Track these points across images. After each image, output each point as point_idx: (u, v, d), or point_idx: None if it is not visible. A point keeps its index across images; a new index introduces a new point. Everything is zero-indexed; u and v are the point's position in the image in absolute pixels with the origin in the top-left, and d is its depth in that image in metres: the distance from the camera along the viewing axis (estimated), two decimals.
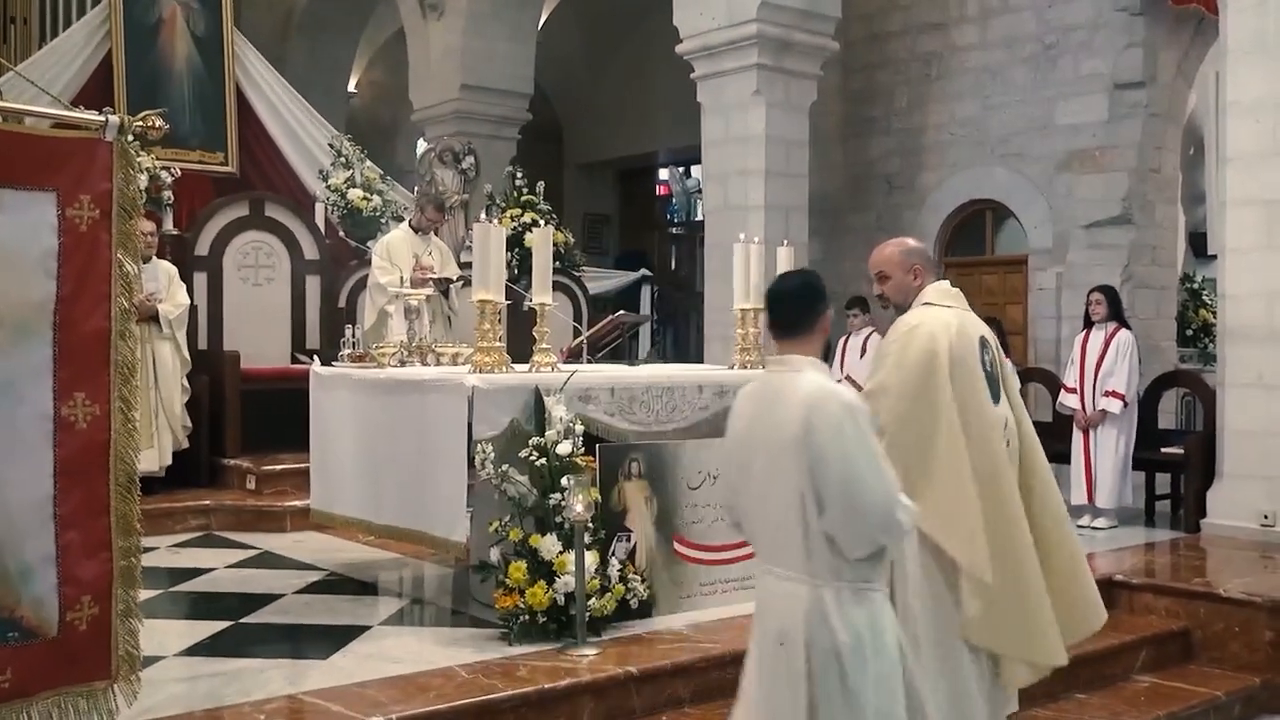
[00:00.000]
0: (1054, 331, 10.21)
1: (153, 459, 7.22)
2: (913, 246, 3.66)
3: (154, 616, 4.57)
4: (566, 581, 4.52)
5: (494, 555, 4.72)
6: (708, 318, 9.79)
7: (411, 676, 4.12)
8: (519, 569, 4.57)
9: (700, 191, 12.99)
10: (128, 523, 3.35)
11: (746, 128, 9.25)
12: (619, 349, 7.45)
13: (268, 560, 6.32)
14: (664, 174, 18.14)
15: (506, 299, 5.14)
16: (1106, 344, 7.51)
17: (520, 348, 5.35)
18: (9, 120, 3.65)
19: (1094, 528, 7.31)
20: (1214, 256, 8.10)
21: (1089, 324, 7.68)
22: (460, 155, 11.33)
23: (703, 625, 4.86)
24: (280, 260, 9.12)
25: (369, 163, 10.43)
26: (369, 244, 9.08)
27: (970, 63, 10.91)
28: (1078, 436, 7.54)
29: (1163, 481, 7.97)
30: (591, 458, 4.82)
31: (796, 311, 2.91)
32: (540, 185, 10.15)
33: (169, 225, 8.89)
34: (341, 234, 9.93)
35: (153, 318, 7.43)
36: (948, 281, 3.69)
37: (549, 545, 4.58)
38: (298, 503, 6.89)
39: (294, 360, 8.76)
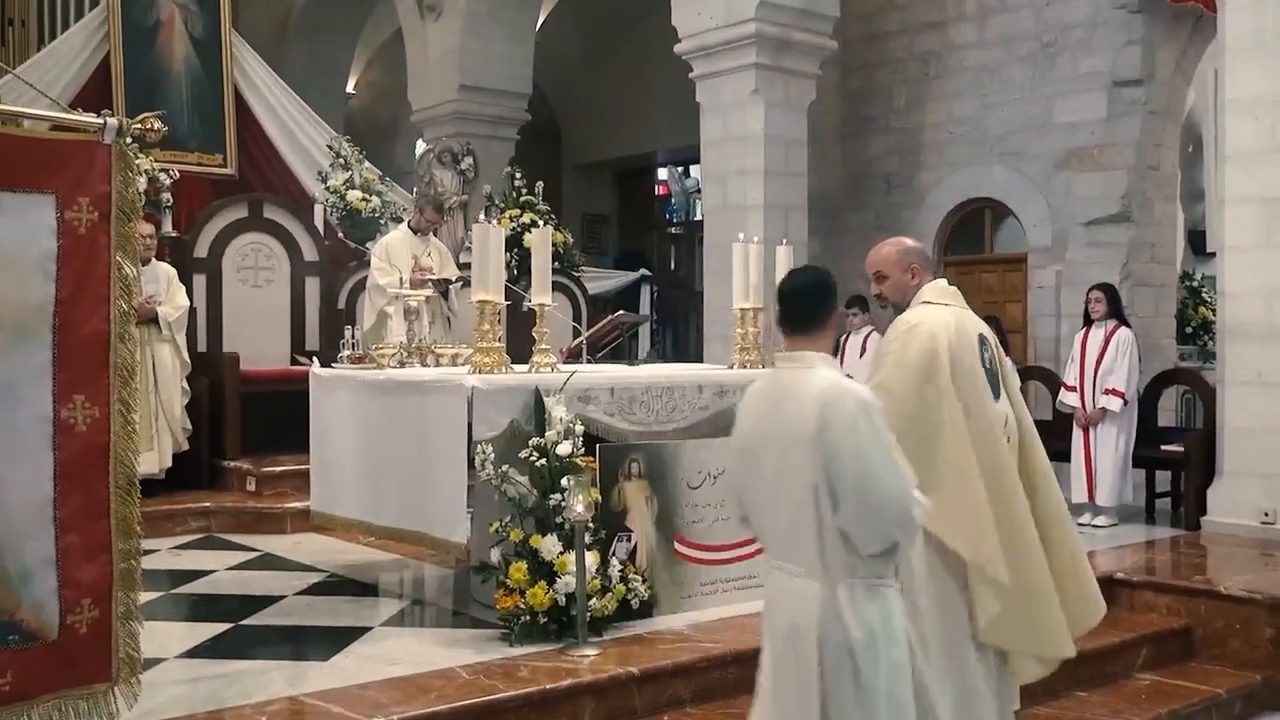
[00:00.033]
0: (1053, 329, 10.22)
1: (153, 461, 7.21)
2: (910, 246, 3.67)
3: (155, 619, 4.57)
4: (567, 582, 4.52)
5: (494, 556, 4.72)
6: (707, 317, 9.79)
7: (412, 678, 4.12)
8: (519, 570, 4.57)
9: (699, 191, 13.00)
10: (128, 525, 3.35)
11: (745, 127, 9.25)
12: (619, 349, 7.45)
13: (268, 562, 6.32)
14: (663, 174, 18.13)
15: (506, 299, 5.14)
16: (1106, 342, 7.51)
17: (520, 348, 5.35)
18: (8, 123, 3.64)
19: (1094, 526, 7.31)
20: (1213, 254, 8.09)
21: (1088, 322, 7.68)
22: (459, 156, 11.35)
23: (703, 625, 4.86)
24: (279, 262, 9.12)
25: (368, 164, 10.42)
26: (368, 245, 9.08)
27: (968, 61, 10.91)
28: (1078, 434, 7.54)
29: (1163, 479, 7.98)
30: (591, 458, 4.82)
31: (808, 308, 2.90)
32: (539, 185, 10.16)
33: (168, 227, 8.89)
34: (340, 235, 9.92)
35: (152, 320, 7.42)
36: (945, 280, 3.69)
37: (549, 546, 4.58)
38: (298, 504, 6.88)
39: (294, 362, 8.76)
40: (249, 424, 8.07)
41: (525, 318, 5.61)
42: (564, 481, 4.57)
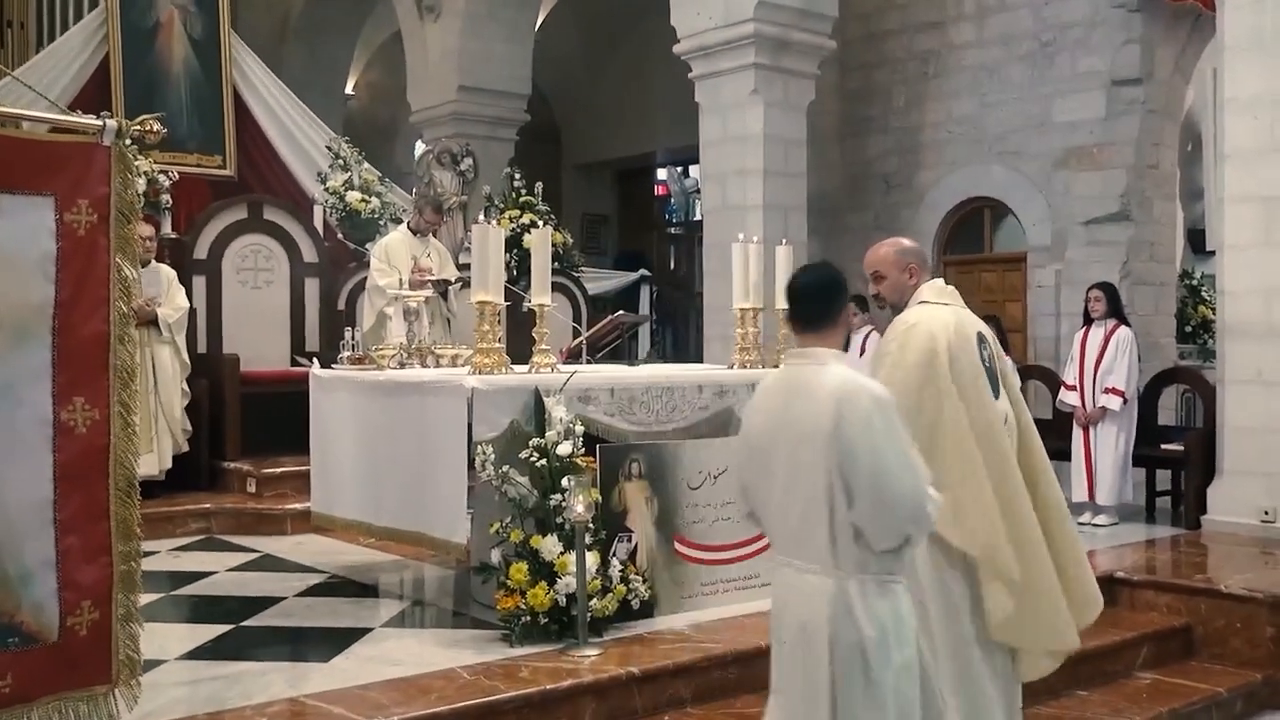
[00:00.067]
0: (1053, 329, 10.22)
1: (152, 463, 7.20)
2: (907, 246, 3.68)
3: (155, 620, 4.57)
4: (568, 582, 4.52)
5: (495, 556, 4.72)
6: (707, 318, 9.79)
7: (413, 678, 4.12)
8: (520, 570, 4.57)
9: (698, 191, 13.00)
10: (128, 527, 3.35)
11: (744, 127, 9.25)
12: (618, 349, 7.45)
13: (268, 563, 6.31)
14: (662, 174, 18.12)
15: (505, 300, 5.14)
16: (1106, 341, 7.51)
17: (520, 349, 5.35)
18: (7, 125, 3.64)
19: (1094, 525, 7.31)
20: (1213, 253, 8.10)
21: (1088, 321, 7.68)
22: (458, 157, 11.34)
23: (704, 625, 4.86)
24: (279, 263, 9.11)
25: (367, 165, 10.42)
26: (367, 246, 9.08)
27: (967, 61, 10.91)
28: (1078, 433, 7.54)
29: (1163, 478, 7.97)
30: (592, 458, 4.82)
31: (819, 305, 2.91)
32: (538, 186, 10.15)
33: (167, 229, 8.89)
34: (340, 236, 9.92)
35: (152, 322, 7.42)
36: (942, 279, 3.70)
37: (550, 546, 4.58)
38: (298, 505, 6.88)
39: (293, 363, 8.75)
40: (249, 425, 8.07)
41: (525, 318, 5.61)
42: (564, 482, 4.57)
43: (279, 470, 7.62)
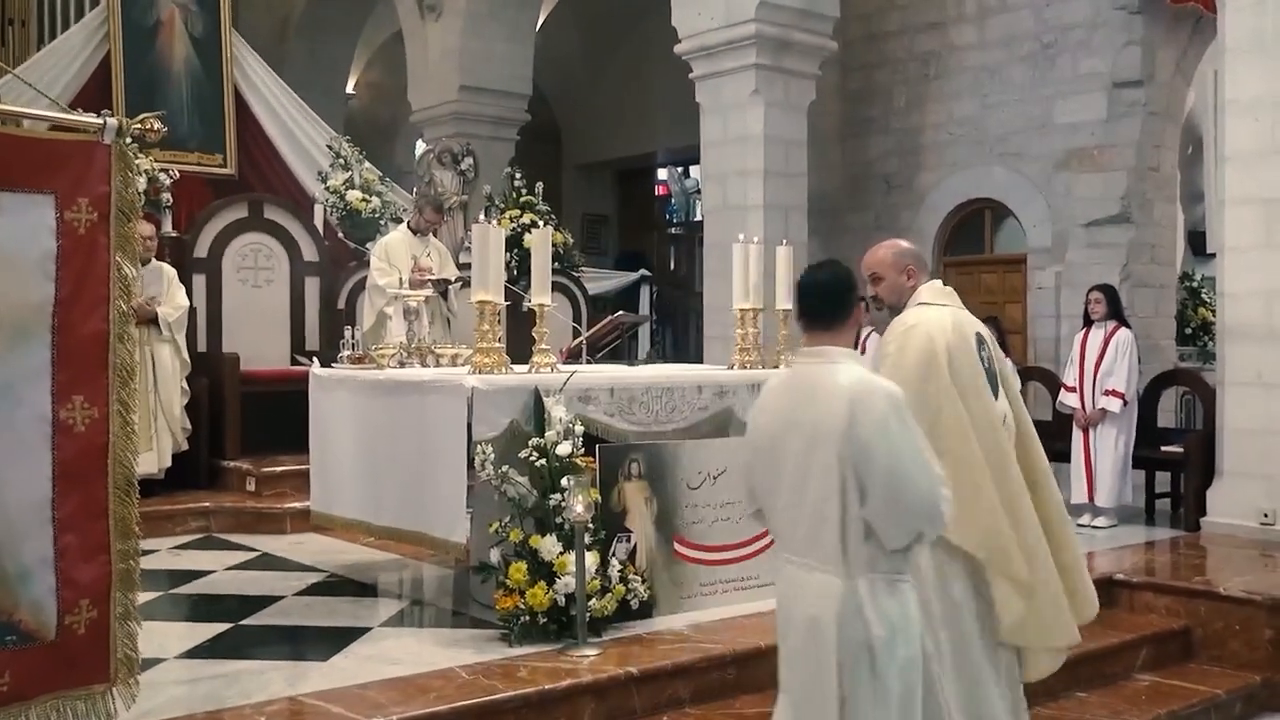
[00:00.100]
0: (1053, 330, 10.22)
1: (152, 461, 7.21)
2: (905, 248, 3.68)
3: (154, 619, 4.57)
4: (567, 582, 4.52)
5: (494, 556, 4.72)
6: (707, 318, 9.79)
7: (412, 678, 4.12)
8: (519, 570, 4.57)
9: (699, 191, 13.00)
10: (126, 526, 3.35)
11: (745, 127, 9.25)
12: (618, 349, 7.45)
13: (268, 562, 6.31)
14: (663, 174, 18.13)
15: (506, 300, 5.14)
16: (1106, 343, 7.51)
17: (520, 348, 5.35)
18: (7, 123, 3.64)
19: (1094, 527, 7.31)
20: (1213, 255, 8.10)
21: (1088, 323, 7.68)
22: (459, 156, 11.36)
23: (703, 625, 4.86)
24: (279, 262, 9.12)
25: (367, 164, 10.42)
26: (368, 245, 9.08)
27: (968, 62, 10.91)
28: (1077, 435, 7.54)
29: (1162, 480, 7.97)
30: (591, 458, 4.82)
31: (830, 303, 2.90)
32: (539, 186, 10.16)
33: (168, 227, 8.89)
34: (340, 235, 9.92)
35: (152, 320, 7.42)
36: (940, 280, 3.71)
37: (549, 546, 4.57)
38: (297, 504, 6.88)
39: (293, 362, 8.75)
40: (249, 424, 8.07)
41: (525, 318, 5.61)
42: (564, 482, 4.57)
43: (278, 469, 7.62)
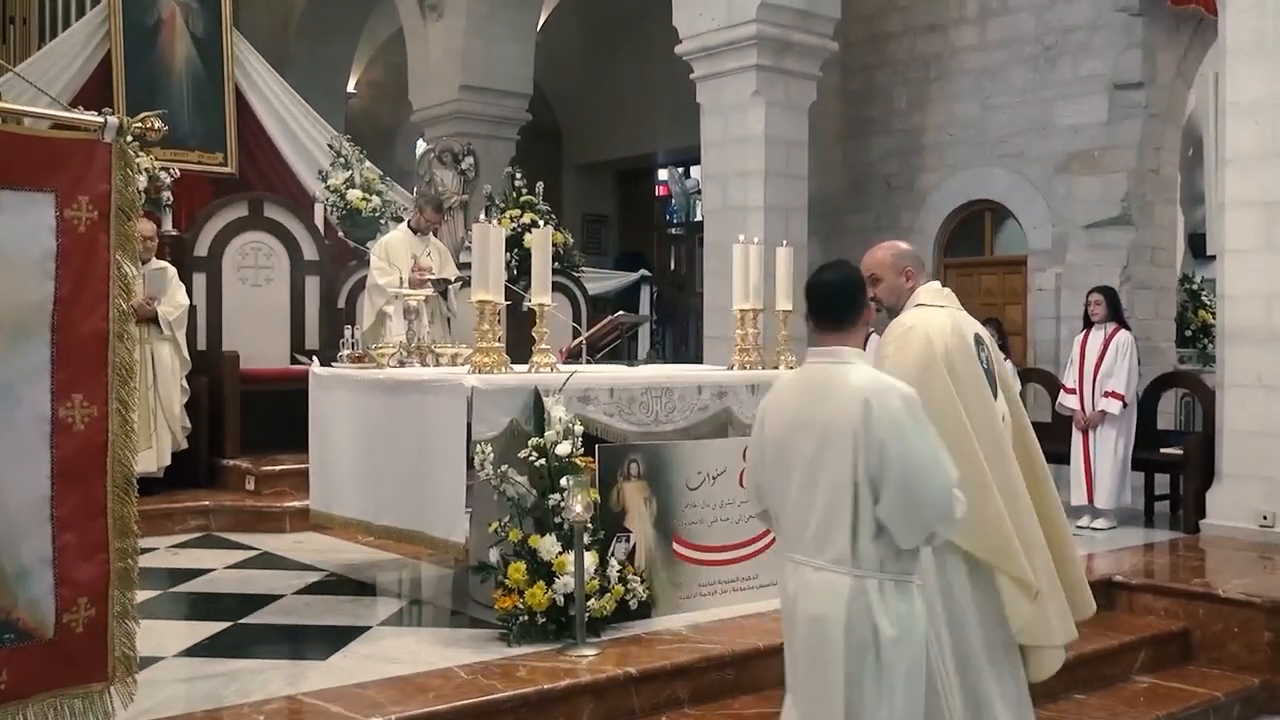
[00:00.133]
0: (1053, 332, 10.23)
1: (151, 460, 7.21)
2: (904, 249, 3.69)
3: (153, 617, 4.57)
4: (566, 582, 4.51)
5: (493, 556, 4.72)
6: (707, 318, 9.79)
7: (411, 677, 4.11)
8: (518, 569, 4.56)
9: (699, 192, 12.99)
10: (125, 524, 3.34)
11: (746, 128, 9.25)
12: (618, 349, 7.45)
13: (267, 561, 6.31)
14: (663, 174, 18.13)
15: (506, 299, 5.13)
16: (1106, 344, 7.51)
17: (519, 348, 5.35)
18: (8, 121, 3.64)
19: (1093, 528, 7.31)
20: (1213, 257, 8.10)
21: (1088, 324, 7.68)
22: (459, 156, 11.36)
23: (702, 626, 4.86)
24: (279, 261, 9.12)
25: (368, 163, 10.42)
26: (368, 245, 9.07)
27: (969, 64, 10.92)
28: (1077, 437, 7.54)
29: (1162, 482, 7.97)
30: (591, 458, 4.82)
31: (841, 304, 2.92)
32: (539, 186, 10.16)
33: (168, 226, 8.89)
34: (341, 234, 9.92)
35: (152, 319, 7.42)
36: (939, 282, 3.71)
37: (548, 546, 4.57)
38: (297, 503, 6.88)
39: (293, 361, 8.75)
40: (248, 423, 8.07)
41: (525, 318, 5.61)
42: (563, 482, 4.57)
43: (278, 468, 7.62)
